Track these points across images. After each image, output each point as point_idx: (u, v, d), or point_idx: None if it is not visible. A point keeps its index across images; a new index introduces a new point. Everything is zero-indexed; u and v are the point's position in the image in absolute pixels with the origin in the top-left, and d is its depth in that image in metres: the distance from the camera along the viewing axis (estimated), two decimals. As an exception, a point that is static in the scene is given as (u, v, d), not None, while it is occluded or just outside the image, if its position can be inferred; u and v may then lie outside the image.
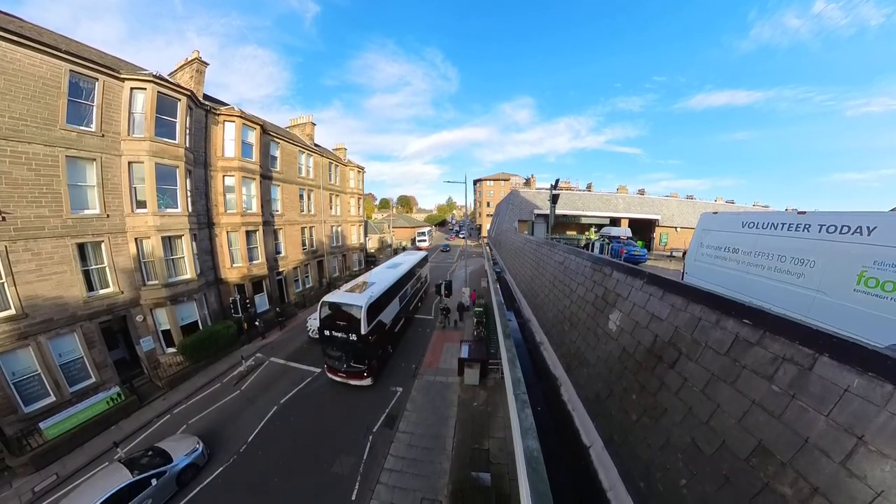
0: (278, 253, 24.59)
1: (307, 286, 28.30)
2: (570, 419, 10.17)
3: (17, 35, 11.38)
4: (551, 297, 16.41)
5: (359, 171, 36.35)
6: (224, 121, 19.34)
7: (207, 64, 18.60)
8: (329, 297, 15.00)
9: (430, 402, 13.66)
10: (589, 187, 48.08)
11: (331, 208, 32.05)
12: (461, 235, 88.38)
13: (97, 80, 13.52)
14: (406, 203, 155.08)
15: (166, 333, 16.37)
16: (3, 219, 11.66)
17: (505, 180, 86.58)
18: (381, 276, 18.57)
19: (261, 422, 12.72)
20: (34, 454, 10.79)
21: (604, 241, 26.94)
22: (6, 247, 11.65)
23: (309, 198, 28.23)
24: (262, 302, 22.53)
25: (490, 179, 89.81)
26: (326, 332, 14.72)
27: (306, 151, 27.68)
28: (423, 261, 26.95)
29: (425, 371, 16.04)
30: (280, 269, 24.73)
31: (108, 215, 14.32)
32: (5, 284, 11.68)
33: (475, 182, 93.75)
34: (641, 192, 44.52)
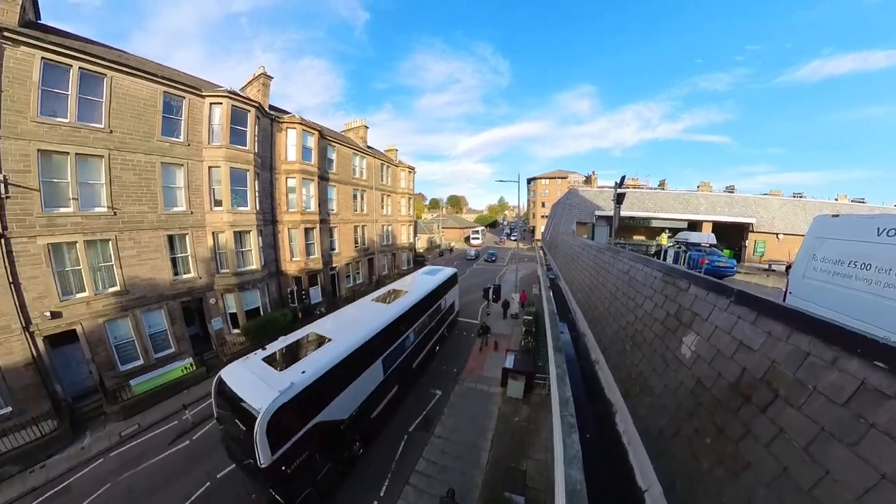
0: (333, 249, 26.42)
1: (358, 282, 30.02)
2: (623, 454, 9.02)
3: (127, 66, 13.95)
4: (612, 310, 14.87)
5: (409, 172, 37.56)
6: (286, 128, 21.43)
7: (272, 77, 20.86)
8: (226, 375, 8.74)
9: (468, 411, 13.46)
10: (662, 185, 43.48)
11: (382, 208, 33.70)
12: (513, 238, 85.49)
13: (184, 98, 15.94)
14: (456, 203, 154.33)
15: (233, 316, 18.51)
16: (115, 213, 14.08)
17: (562, 178, 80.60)
18: (350, 323, 12.24)
19: None
20: (124, 405, 13.10)
21: (679, 248, 23.72)
22: (116, 236, 14.09)
23: (362, 198, 30.02)
24: (315, 294, 24.36)
25: (545, 178, 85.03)
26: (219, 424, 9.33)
27: (360, 154, 29.45)
28: (448, 284, 20.01)
29: (467, 377, 15.85)
30: (333, 265, 26.54)
31: (191, 212, 16.62)
32: (114, 266, 14.22)
33: (529, 181, 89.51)
34: (730, 189, 38.39)
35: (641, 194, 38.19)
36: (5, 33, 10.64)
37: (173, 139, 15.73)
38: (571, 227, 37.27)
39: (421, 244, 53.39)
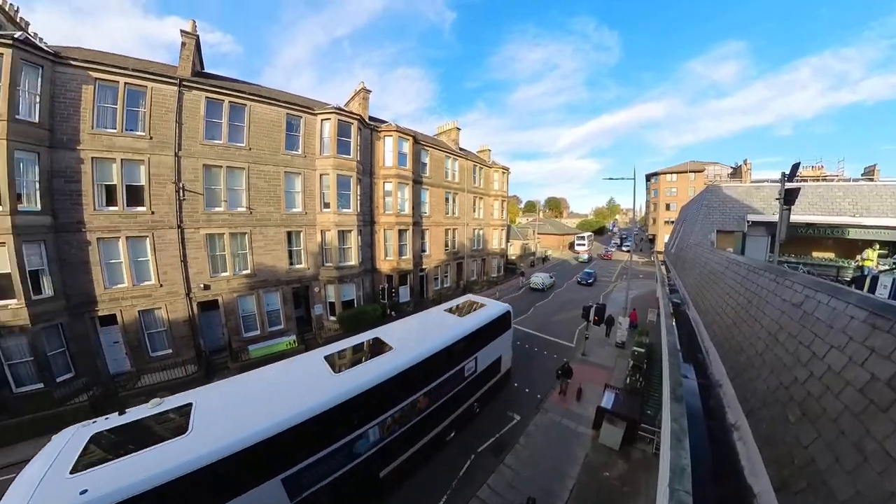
0: (423, 251, 28.06)
1: (445, 285, 30.94)
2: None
3: (260, 96, 18.07)
4: (768, 358, 10.55)
5: (503, 173, 36.85)
6: (384, 136, 23.91)
7: (370, 91, 23.71)
8: None
9: (547, 446, 11.84)
10: (870, 173, 30.45)
11: (474, 211, 34.11)
12: (625, 248, 70.53)
13: (301, 117, 19.53)
14: (555, 206, 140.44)
15: (331, 305, 21.43)
16: (251, 212, 18.23)
17: (696, 172, 63.48)
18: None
19: None
20: (241, 364, 16.47)
21: (904, 275, 15.67)
22: (250, 230, 18.19)
23: (454, 201, 31.03)
24: (404, 293, 26.17)
25: (671, 172, 67.00)
26: None
27: (452, 156, 30.55)
28: (491, 330, 13.31)
29: (551, 407, 13.97)
30: (423, 267, 28.10)
31: (306, 213, 20.13)
32: (248, 254, 18.30)
33: (648, 178, 72.60)
34: None
35: (829, 190, 27.11)
36: (183, 82, 15.21)
37: (293, 152, 19.43)
38: (709, 237, 29.50)
39: (513, 250, 50.90)
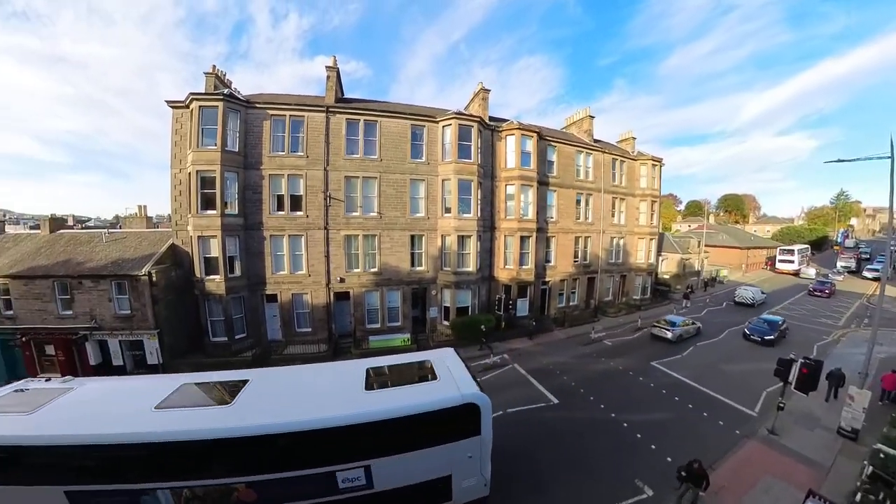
0: (548, 262, 25.72)
1: (571, 303, 27.25)
2: None
3: (388, 112, 20.70)
4: None
5: (653, 166, 29.75)
6: (505, 135, 23.27)
7: (489, 91, 23.34)
8: None
9: None
10: None
11: (612, 216, 28.91)
12: (869, 271, 46.51)
13: (424, 126, 21.23)
14: (736, 206, 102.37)
15: (446, 309, 22.12)
16: (381, 217, 20.97)
17: None
18: None
19: None
20: (362, 352, 18.82)
21: None
22: (380, 233, 20.91)
23: (587, 203, 27.18)
24: (522, 307, 24.48)
25: None
26: None
27: (584, 150, 26.91)
28: (438, 425, 7.72)
29: (713, 497, 9.51)
30: (546, 279, 25.73)
31: (428, 217, 21.74)
32: (376, 254, 21.03)
33: None
34: None
35: None
36: (329, 109, 19.02)
37: (418, 160, 21.26)
38: None
39: (668, 267, 39.06)
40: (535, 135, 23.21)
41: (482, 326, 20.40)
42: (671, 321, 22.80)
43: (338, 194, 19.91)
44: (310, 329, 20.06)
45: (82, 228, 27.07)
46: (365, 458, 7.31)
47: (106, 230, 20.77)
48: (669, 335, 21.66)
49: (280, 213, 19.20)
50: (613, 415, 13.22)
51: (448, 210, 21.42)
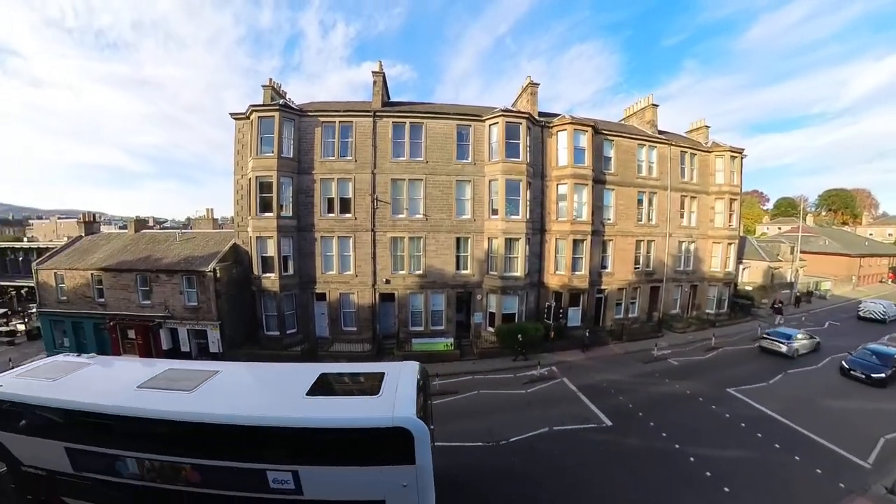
0: (604, 268, 23.71)
1: (630, 315, 24.68)
2: None
3: (433, 113, 20.73)
4: None
5: (731, 157, 25.82)
6: (556, 131, 21.97)
7: (538, 84, 22.23)
8: None
9: None
10: None
11: (681, 216, 25.73)
12: None
13: (470, 126, 20.85)
14: (844, 204, 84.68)
15: (492, 315, 21.36)
16: (427, 219, 21.00)
17: None
18: None
19: (527, 432, 12.68)
20: (405, 354, 18.85)
21: None
22: (425, 235, 20.92)
23: (650, 203, 24.50)
24: (574, 316, 22.83)
25: None
26: None
27: (647, 143, 24.33)
28: (365, 444, 7.25)
29: None
30: (602, 287, 23.74)
31: (474, 220, 21.32)
32: (421, 256, 21.06)
33: None
34: None
35: None
36: (376, 113, 19.50)
37: (464, 161, 20.95)
38: None
39: (751, 276, 33.20)
40: (589, 129, 21.61)
41: (518, 335, 19.40)
42: (785, 333, 20.06)
43: (384, 197, 20.29)
44: (355, 328, 20.66)
45: (160, 229, 31.01)
46: (292, 462, 7.21)
47: (179, 230, 23.55)
48: (784, 349, 19.05)
49: (330, 215, 20.09)
50: (677, 446, 11.52)
51: (495, 212, 20.70)
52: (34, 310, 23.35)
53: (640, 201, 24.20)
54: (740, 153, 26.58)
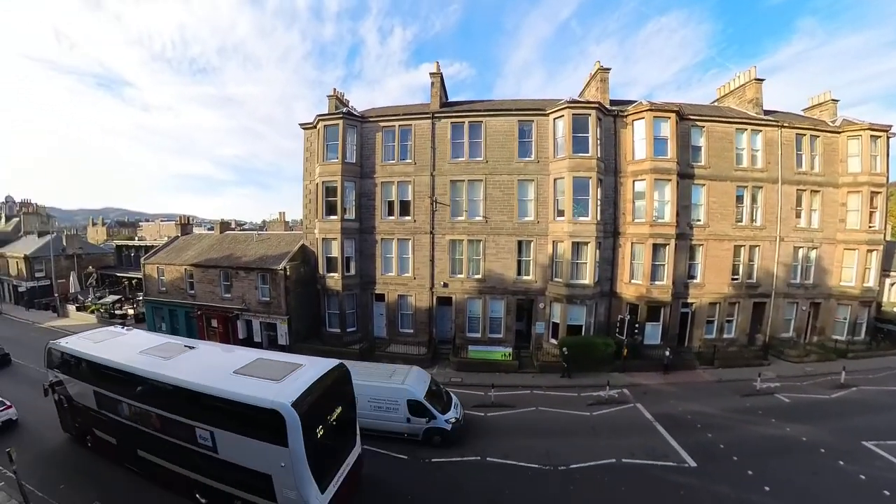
0: (691, 277, 20.43)
1: (725, 335, 20.88)
2: None
3: (493, 110, 19.99)
4: None
5: (872, 137, 19.87)
6: (632, 120, 19.61)
7: (609, 69, 20.09)
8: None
9: None
10: None
11: (797, 216, 20.91)
12: None
13: (532, 121, 19.70)
14: None
15: (555, 326, 19.97)
16: (486, 221, 20.44)
17: None
18: None
19: (589, 460, 11.57)
20: (459, 361, 18.74)
21: None
22: (485, 238, 20.37)
23: (753, 200, 20.42)
24: (653, 333, 20.02)
25: None
26: None
27: (749, 127, 20.37)
28: (252, 420, 8.57)
29: None
30: (689, 300, 20.51)
31: (538, 221, 20.18)
32: (481, 260, 20.55)
33: None
34: None
35: None
36: (434, 115, 19.44)
37: (526, 159, 19.92)
38: None
39: None
40: (672, 114, 18.86)
41: (564, 349, 17.82)
42: None
43: (443, 199, 20.17)
44: (412, 331, 20.92)
45: (240, 230, 35.17)
46: (210, 424, 8.93)
47: (257, 232, 26.49)
48: None
49: (390, 217, 20.67)
50: (784, 505, 9.35)
51: (561, 213, 19.20)
52: (141, 298, 28.24)
53: (739, 198, 20.35)
54: (886, 131, 20.64)
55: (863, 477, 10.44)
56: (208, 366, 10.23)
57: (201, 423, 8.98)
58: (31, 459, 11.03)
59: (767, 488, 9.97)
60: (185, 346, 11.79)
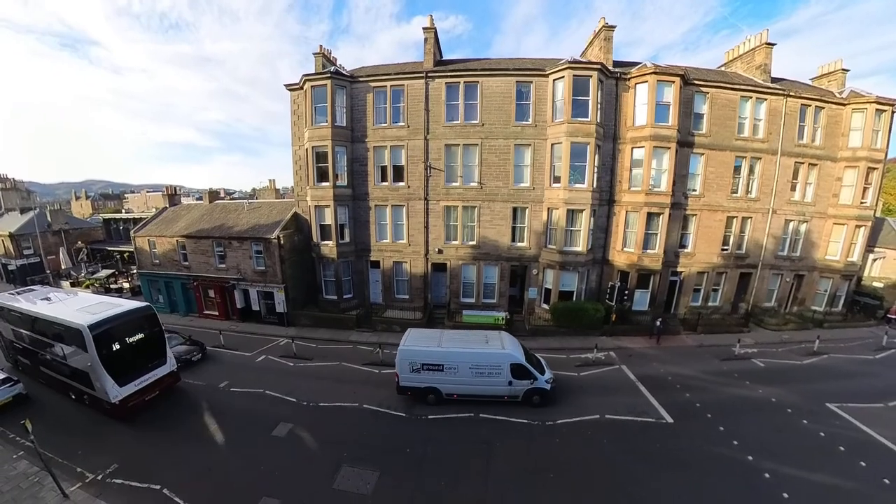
0: (682, 247, 20.97)
1: (710, 303, 21.77)
2: None
3: (489, 70, 19.07)
4: None
5: (877, 111, 19.64)
6: (634, 83, 18.99)
7: (614, 27, 19.12)
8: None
9: None
10: None
11: (792, 189, 21.14)
12: None
13: (531, 82, 18.97)
14: None
15: (547, 292, 20.59)
16: (481, 187, 20.26)
17: None
18: None
19: (575, 416, 12.54)
20: (455, 324, 19.58)
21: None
22: (479, 204, 20.34)
23: (751, 171, 20.53)
24: (641, 300, 20.88)
25: None
26: None
27: (754, 94, 19.88)
28: (66, 331, 14.18)
29: None
30: (678, 269, 21.18)
31: (533, 188, 20.07)
32: (475, 226, 20.64)
33: None
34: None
35: None
36: (428, 74, 18.47)
37: (523, 123, 19.41)
38: None
39: (885, 270, 24.66)
40: (676, 79, 18.26)
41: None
42: None
43: (438, 164, 19.81)
44: (407, 296, 21.45)
45: (230, 199, 34.36)
46: (59, 341, 13.63)
47: (247, 201, 25.88)
48: None
49: (384, 183, 20.38)
50: (750, 458, 10.33)
51: (557, 179, 19.11)
52: (134, 271, 28.11)
53: (737, 169, 20.37)
54: (892, 105, 20.07)
55: (822, 434, 11.58)
56: (66, 306, 14.43)
57: (56, 342, 13.77)
58: (45, 429, 11.55)
59: (735, 442, 11.05)
60: (65, 296, 16.32)
